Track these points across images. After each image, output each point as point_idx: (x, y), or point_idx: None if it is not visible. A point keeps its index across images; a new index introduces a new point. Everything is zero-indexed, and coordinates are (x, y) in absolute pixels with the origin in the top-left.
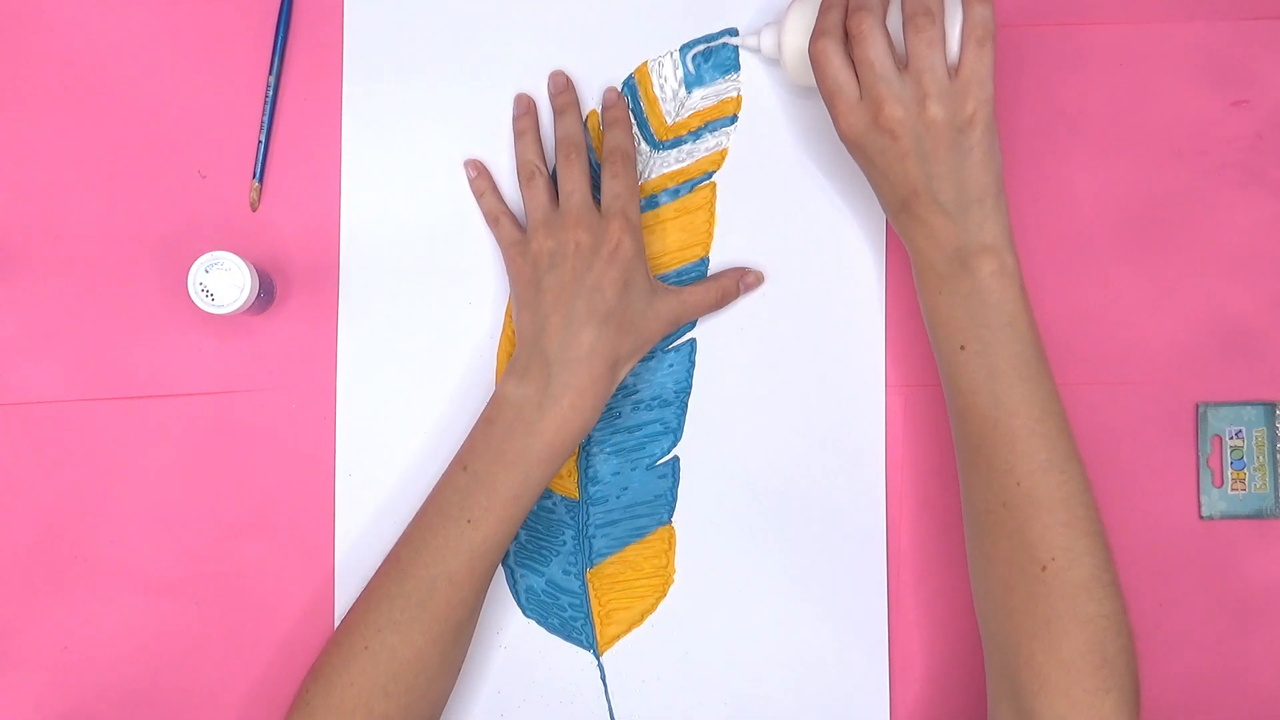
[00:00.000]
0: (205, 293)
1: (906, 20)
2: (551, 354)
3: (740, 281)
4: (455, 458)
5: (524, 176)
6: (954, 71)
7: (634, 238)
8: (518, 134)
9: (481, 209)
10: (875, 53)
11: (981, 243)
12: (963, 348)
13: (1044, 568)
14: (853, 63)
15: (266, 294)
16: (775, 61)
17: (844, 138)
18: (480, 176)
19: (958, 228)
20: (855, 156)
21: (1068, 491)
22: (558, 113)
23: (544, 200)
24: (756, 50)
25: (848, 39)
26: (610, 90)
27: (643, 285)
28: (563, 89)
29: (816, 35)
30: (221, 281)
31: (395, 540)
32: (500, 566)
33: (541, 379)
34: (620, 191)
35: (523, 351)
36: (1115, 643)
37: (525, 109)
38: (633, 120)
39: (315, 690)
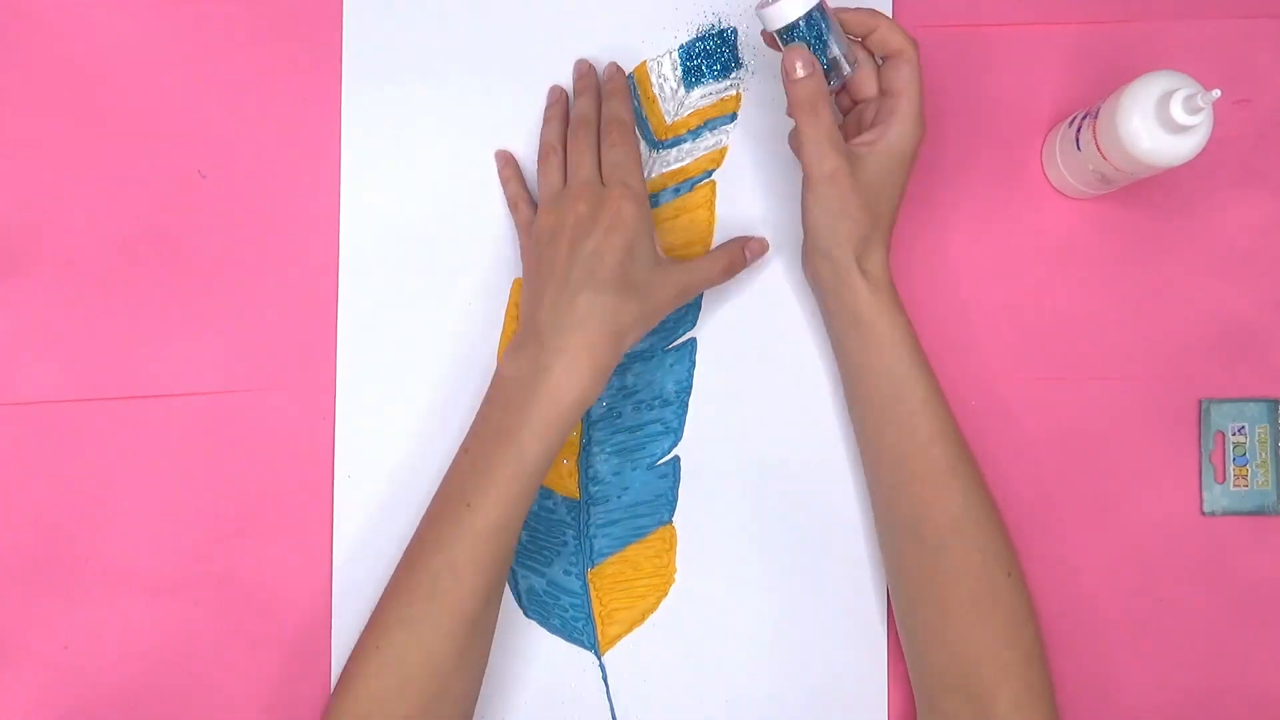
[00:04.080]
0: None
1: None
2: (544, 325)
3: (745, 249)
4: (461, 444)
5: (540, 157)
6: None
7: (636, 204)
8: (544, 121)
9: (505, 195)
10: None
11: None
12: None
13: (1009, 574)
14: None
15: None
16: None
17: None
18: (506, 165)
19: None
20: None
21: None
22: (575, 95)
23: (555, 179)
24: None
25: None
26: (611, 64)
27: (647, 252)
28: (583, 74)
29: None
30: None
31: (395, 540)
32: None
33: (535, 351)
34: (619, 160)
35: (521, 328)
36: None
37: (555, 99)
38: (634, 96)
39: (337, 694)
